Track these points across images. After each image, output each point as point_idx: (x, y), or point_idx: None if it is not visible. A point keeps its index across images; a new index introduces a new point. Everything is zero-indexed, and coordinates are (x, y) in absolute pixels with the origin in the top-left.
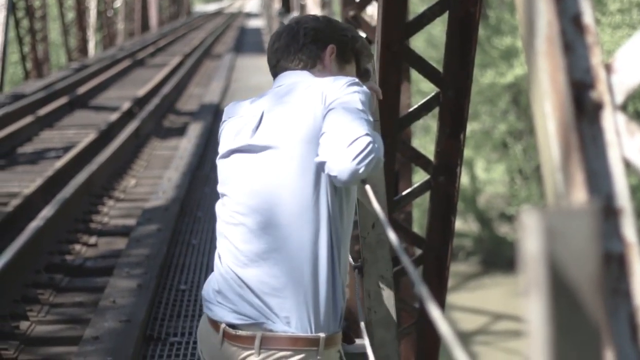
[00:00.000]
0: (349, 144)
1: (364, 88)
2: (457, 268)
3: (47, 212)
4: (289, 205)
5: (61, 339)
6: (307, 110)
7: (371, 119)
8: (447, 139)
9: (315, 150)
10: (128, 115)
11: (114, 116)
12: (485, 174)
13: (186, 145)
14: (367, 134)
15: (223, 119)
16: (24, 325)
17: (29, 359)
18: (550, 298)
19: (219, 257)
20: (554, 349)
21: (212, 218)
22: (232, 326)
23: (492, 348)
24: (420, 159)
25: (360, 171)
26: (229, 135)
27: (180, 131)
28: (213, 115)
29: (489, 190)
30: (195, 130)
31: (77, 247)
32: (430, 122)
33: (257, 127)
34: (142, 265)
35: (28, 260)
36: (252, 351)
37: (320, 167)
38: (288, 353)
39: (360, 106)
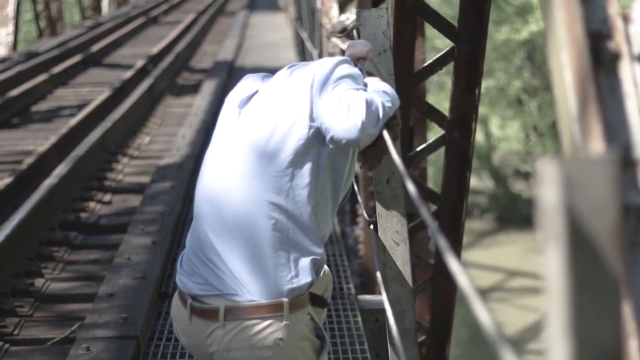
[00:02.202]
0: (337, 106)
1: (348, 65)
2: (471, 225)
3: (61, 169)
4: (245, 181)
5: (76, 296)
6: (298, 92)
7: (355, 81)
8: (462, 93)
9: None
10: (142, 73)
11: (127, 74)
12: (500, 131)
13: (200, 102)
14: (348, 90)
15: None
16: (38, 282)
17: (44, 316)
18: (569, 249)
19: (191, 229)
20: (572, 301)
21: None
22: (198, 300)
23: (506, 305)
24: (435, 114)
25: (359, 122)
26: (225, 108)
27: (194, 89)
28: (227, 73)
29: (503, 147)
30: (209, 87)
31: (92, 204)
32: (445, 79)
33: (244, 105)
34: (156, 222)
35: (42, 217)
36: (218, 324)
37: (330, 143)
38: (253, 322)
39: (340, 75)
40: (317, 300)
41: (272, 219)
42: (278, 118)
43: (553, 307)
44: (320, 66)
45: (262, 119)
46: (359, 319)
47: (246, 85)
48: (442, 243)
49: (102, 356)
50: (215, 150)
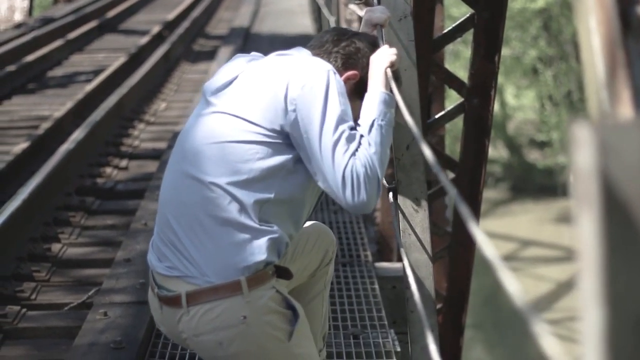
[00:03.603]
0: (340, 181)
1: (335, 85)
2: (486, 194)
3: (77, 135)
4: (204, 165)
5: (93, 261)
6: (268, 98)
7: (347, 127)
8: (482, 60)
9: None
10: (158, 39)
11: (143, 40)
12: (515, 100)
13: (216, 68)
14: (345, 154)
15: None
16: (55, 247)
17: (60, 280)
18: (603, 214)
19: (157, 214)
20: (606, 267)
21: None
22: (164, 287)
23: (520, 274)
24: (453, 81)
25: (367, 199)
26: (202, 94)
27: (210, 55)
28: (243, 39)
29: (518, 117)
30: (225, 53)
31: (108, 170)
32: (460, 47)
33: (223, 88)
34: None
35: (59, 182)
36: (183, 310)
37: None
38: (214, 304)
39: (333, 120)
40: (282, 273)
41: (226, 199)
42: (247, 114)
43: (586, 272)
44: (305, 87)
45: (232, 110)
46: (376, 286)
47: (228, 70)
48: (464, 210)
49: (120, 321)
50: (182, 139)
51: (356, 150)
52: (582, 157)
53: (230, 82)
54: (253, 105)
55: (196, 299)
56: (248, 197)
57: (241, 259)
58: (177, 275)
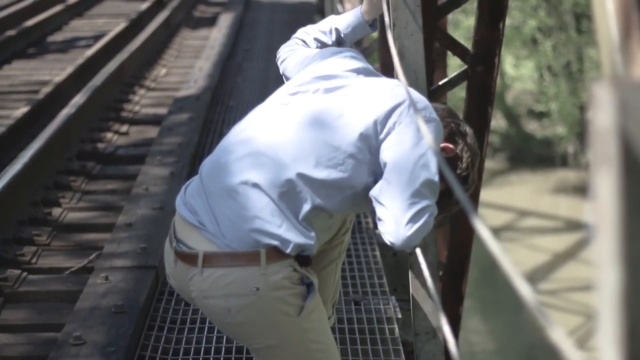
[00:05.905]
0: (405, 222)
1: (434, 124)
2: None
3: (78, 99)
4: (291, 146)
5: (94, 225)
6: (369, 114)
7: (434, 174)
8: (486, 27)
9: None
10: (158, 5)
11: (144, 6)
12: (514, 70)
13: (217, 35)
14: (414, 198)
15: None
16: (56, 211)
17: (61, 245)
18: (621, 172)
19: (211, 160)
20: (624, 225)
21: (243, 107)
22: (182, 243)
23: (517, 244)
24: (457, 48)
25: (411, 238)
26: (322, 70)
27: (211, 21)
28: (243, 6)
29: (517, 87)
30: (225, 20)
31: (109, 135)
32: (460, 17)
33: (335, 89)
34: (174, 153)
35: (60, 147)
36: (197, 270)
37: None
38: (229, 270)
39: (421, 169)
40: (302, 260)
41: (287, 186)
42: (357, 121)
43: (604, 232)
44: (399, 118)
45: (344, 111)
46: (377, 253)
47: (343, 69)
48: (459, 191)
49: (121, 285)
50: (276, 105)
51: (427, 203)
52: (602, 116)
53: (343, 87)
54: (364, 116)
55: (212, 261)
56: (308, 197)
57: (266, 237)
58: (197, 226)
